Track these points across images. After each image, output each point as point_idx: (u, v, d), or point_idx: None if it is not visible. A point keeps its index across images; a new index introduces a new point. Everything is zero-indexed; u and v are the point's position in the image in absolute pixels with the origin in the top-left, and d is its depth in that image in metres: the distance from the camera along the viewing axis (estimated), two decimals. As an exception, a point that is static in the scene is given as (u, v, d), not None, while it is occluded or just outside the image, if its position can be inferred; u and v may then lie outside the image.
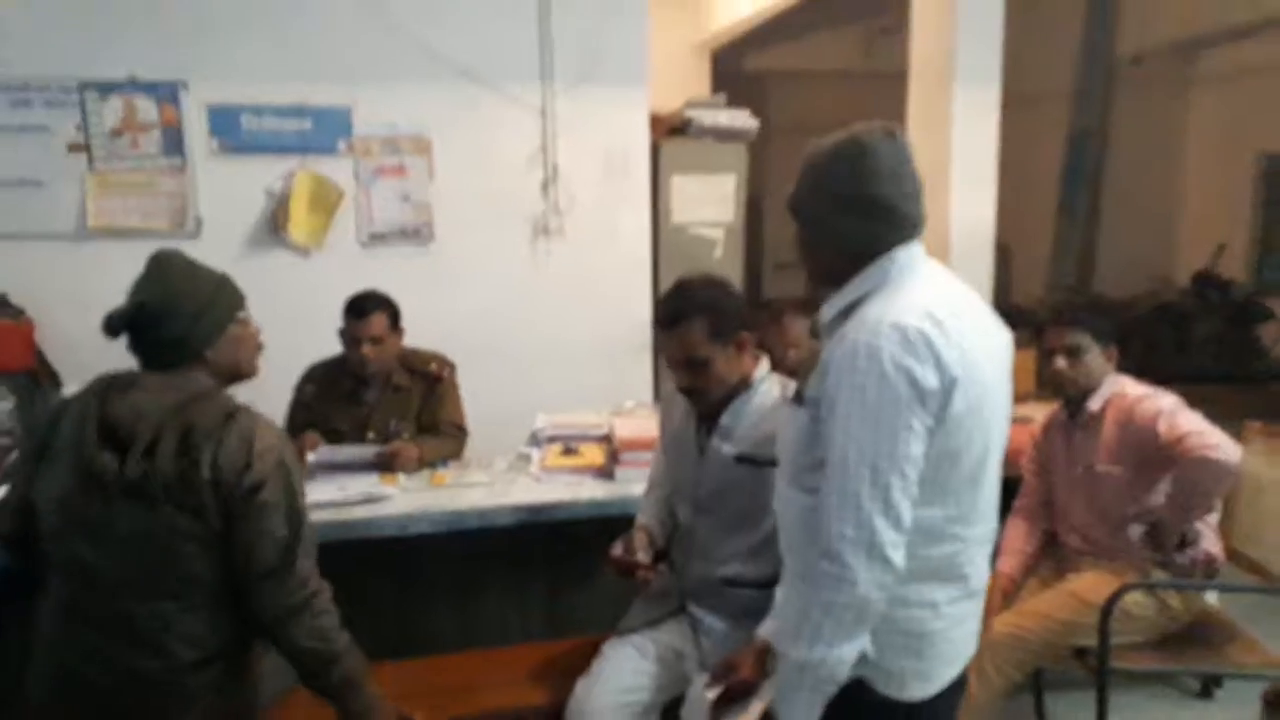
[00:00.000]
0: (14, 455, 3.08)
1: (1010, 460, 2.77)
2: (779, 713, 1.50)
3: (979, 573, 1.59)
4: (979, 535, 1.56)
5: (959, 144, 4.68)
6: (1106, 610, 2.31)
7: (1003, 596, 2.52)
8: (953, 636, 1.56)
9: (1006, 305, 6.50)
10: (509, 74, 4.08)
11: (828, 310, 1.56)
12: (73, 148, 3.72)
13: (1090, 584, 2.42)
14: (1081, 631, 2.37)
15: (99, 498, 1.72)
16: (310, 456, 2.70)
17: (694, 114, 4.47)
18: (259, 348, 1.99)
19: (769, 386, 2.10)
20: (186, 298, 1.80)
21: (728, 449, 2.06)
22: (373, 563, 2.48)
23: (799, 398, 1.57)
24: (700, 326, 1.98)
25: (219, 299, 1.86)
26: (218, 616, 1.79)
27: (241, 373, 1.93)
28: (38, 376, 3.66)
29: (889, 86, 5.42)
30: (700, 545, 2.12)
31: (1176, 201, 8.47)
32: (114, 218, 3.78)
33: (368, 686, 1.86)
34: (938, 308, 1.44)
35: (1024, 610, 2.46)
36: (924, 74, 4.90)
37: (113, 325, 1.81)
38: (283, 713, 2.05)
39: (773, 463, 1.98)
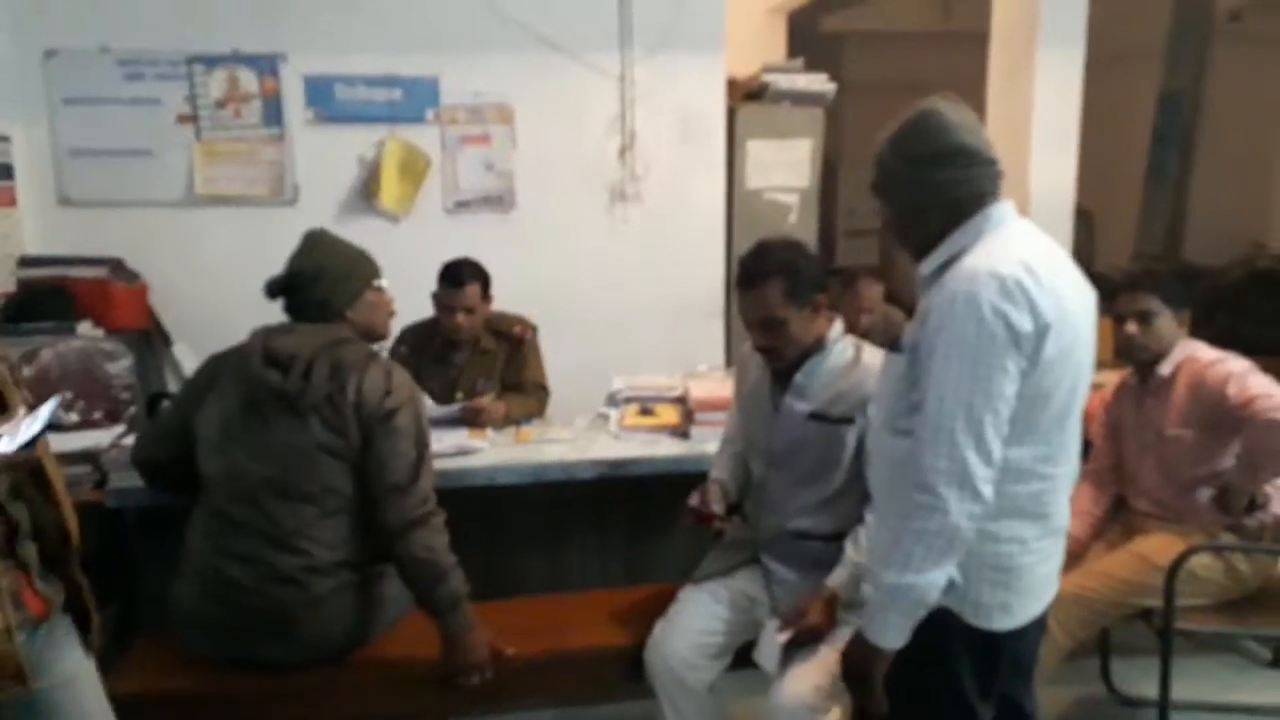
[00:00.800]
0: (133, 408, 3.34)
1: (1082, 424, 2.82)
2: (871, 633, 1.59)
3: (1062, 512, 1.69)
4: (1064, 475, 1.66)
5: (1040, 107, 4.62)
6: (1172, 571, 2.36)
7: (1071, 558, 2.55)
8: (1038, 572, 1.67)
9: (1088, 273, 6.36)
10: (589, 42, 4.17)
11: (927, 265, 1.66)
12: (181, 119, 3.95)
13: (1157, 545, 2.46)
14: (1147, 592, 2.42)
15: (258, 413, 2.09)
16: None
17: (771, 78, 4.50)
18: (391, 313, 2.34)
19: (843, 347, 2.19)
20: (331, 266, 2.19)
21: (801, 406, 2.16)
22: (464, 511, 2.62)
23: (895, 346, 1.68)
24: (777, 287, 2.07)
25: (357, 268, 2.25)
26: (349, 525, 2.10)
27: (375, 333, 2.29)
28: (150, 335, 3.93)
29: (968, 47, 5.35)
30: (772, 499, 2.22)
31: (1274, 164, 8.16)
32: (218, 185, 4.00)
33: (467, 608, 2.11)
34: (1032, 258, 1.55)
35: (1090, 570, 2.51)
36: (1006, 35, 4.84)
37: (272, 289, 2.19)
38: (392, 635, 2.26)
39: (845, 420, 2.10)
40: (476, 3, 4.03)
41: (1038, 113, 4.63)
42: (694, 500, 2.23)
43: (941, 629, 1.61)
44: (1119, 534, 2.64)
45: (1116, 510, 2.70)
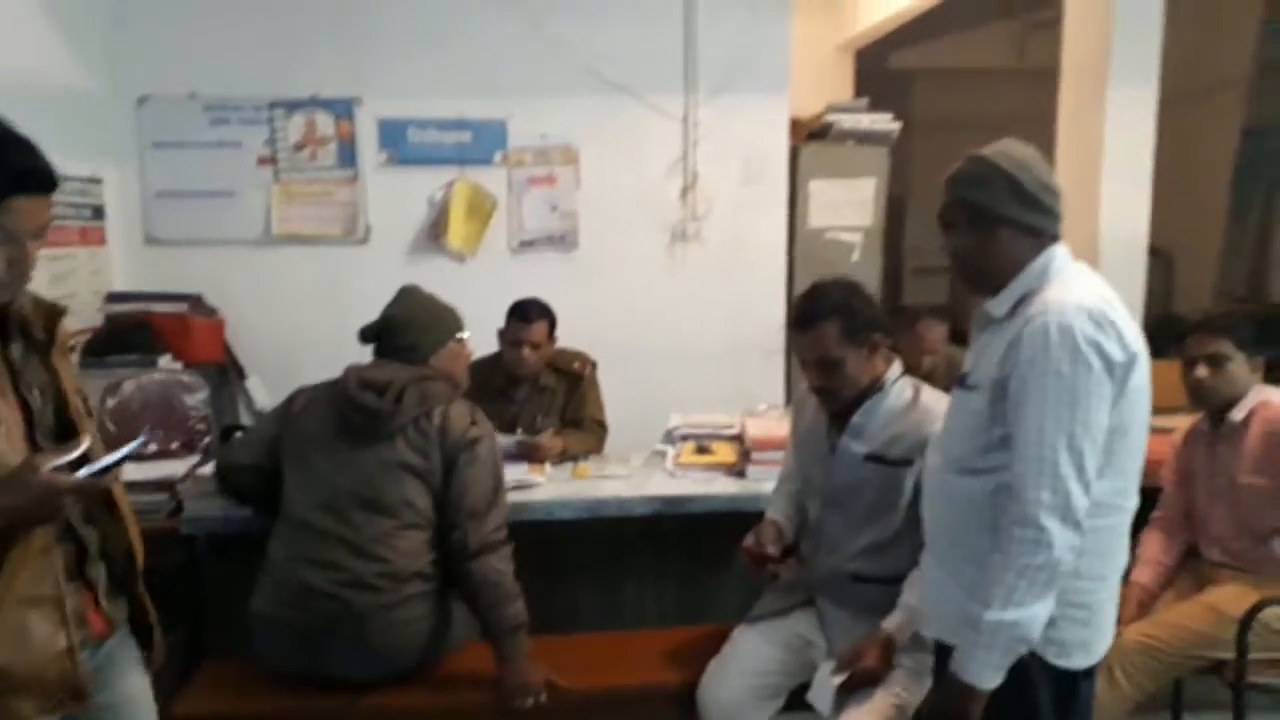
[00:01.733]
0: (209, 439, 3.46)
1: (1150, 471, 2.75)
2: (969, 673, 1.57)
3: (1126, 547, 1.70)
4: (1133, 508, 1.68)
5: (1112, 145, 4.55)
6: (1245, 622, 2.28)
7: (1138, 607, 2.50)
8: (1109, 609, 1.69)
9: (1165, 315, 6.19)
10: (654, 84, 4.24)
11: (1000, 304, 1.67)
12: (261, 161, 4.11)
13: (1229, 596, 2.38)
14: (1217, 644, 2.34)
15: (348, 430, 2.27)
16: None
17: (834, 118, 4.52)
18: (469, 366, 2.54)
19: (901, 388, 2.17)
20: (420, 316, 2.41)
21: (858, 447, 2.15)
22: (522, 544, 2.67)
23: (963, 383, 1.70)
24: (833, 328, 2.07)
25: (444, 320, 2.46)
26: (424, 540, 2.23)
27: (455, 380, 2.45)
28: (226, 369, 4.07)
29: (1042, 84, 5.29)
30: (829, 540, 2.21)
31: (1367, 202, 7.87)
32: (294, 225, 4.16)
33: (524, 637, 2.21)
34: (1105, 293, 1.61)
35: (1158, 620, 2.43)
36: (1076, 72, 4.79)
37: (366, 334, 2.42)
38: (456, 660, 2.34)
39: (903, 462, 2.09)
40: (544, 48, 4.14)
41: (1109, 151, 4.56)
42: (749, 541, 2.23)
43: (1024, 670, 1.61)
44: (1190, 584, 2.56)
45: (1188, 559, 2.62)
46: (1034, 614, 1.54)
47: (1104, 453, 1.55)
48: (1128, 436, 1.59)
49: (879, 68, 7.72)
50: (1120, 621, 2.40)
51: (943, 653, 1.74)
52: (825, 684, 2.05)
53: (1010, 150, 1.68)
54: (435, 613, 2.26)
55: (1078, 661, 1.65)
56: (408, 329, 2.38)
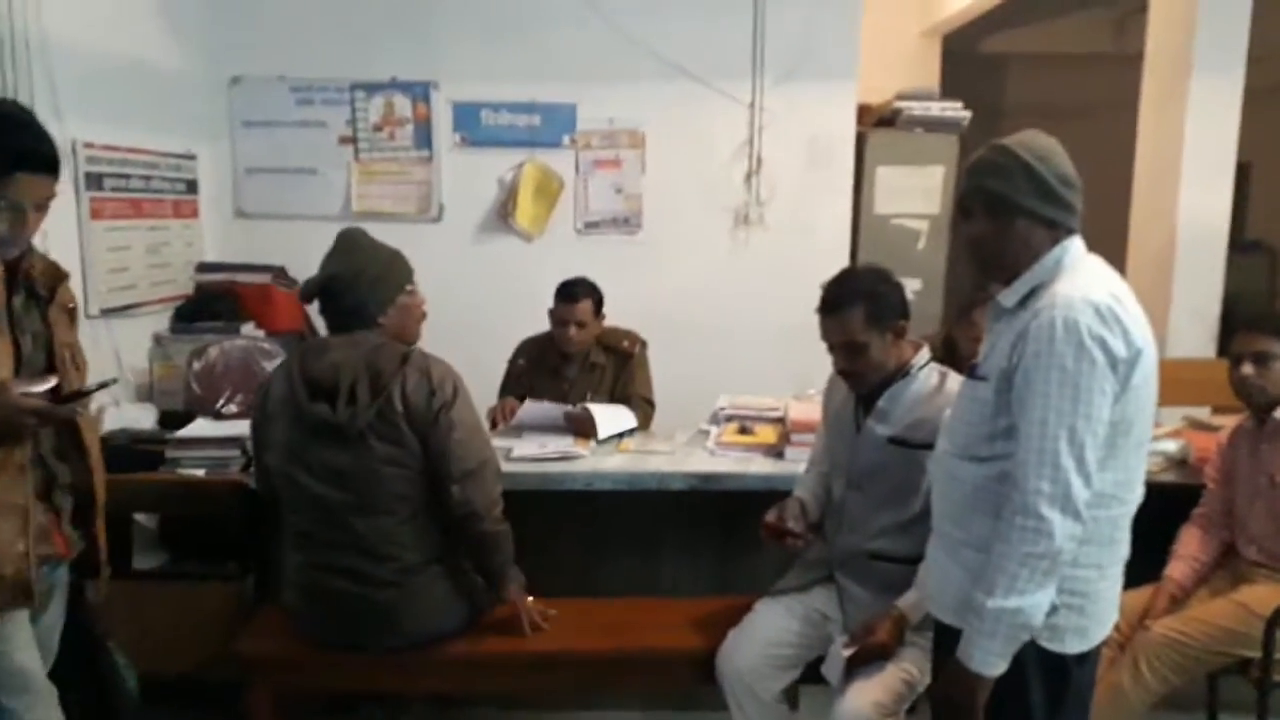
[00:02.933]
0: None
1: (1195, 468, 2.74)
2: (973, 661, 1.62)
3: (1128, 539, 1.73)
4: (1135, 501, 1.71)
5: (1193, 135, 4.45)
6: (1272, 621, 2.26)
7: (1169, 601, 2.49)
8: (1109, 597, 1.72)
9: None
10: (721, 70, 4.30)
11: (1011, 295, 1.70)
12: (342, 140, 4.33)
13: (1261, 595, 2.36)
14: (1245, 642, 2.33)
15: (316, 441, 2.18)
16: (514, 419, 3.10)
17: (903, 105, 4.52)
18: (423, 316, 2.38)
19: (927, 374, 2.22)
20: (367, 270, 2.21)
21: (882, 430, 2.21)
22: (565, 512, 2.83)
23: (974, 373, 1.74)
24: (859, 313, 2.13)
25: (392, 272, 2.26)
26: (426, 526, 2.24)
27: (406, 337, 2.30)
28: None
29: (1139, 71, 5.15)
30: (850, 519, 2.28)
31: None
32: (373, 202, 4.36)
33: (514, 570, 2.35)
34: (1116, 289, 1.63)
35: (1187, 616, 2.43)
36: (1160, 60, 4.68)
37: (307, 292, 2.28)
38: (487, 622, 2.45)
39: (925, 446, 2.13)
40: (614, 34, 4.24)
41: (1189, 142, 4.45)
42: (771, 516, 2.31)
43: (1022, 655, 1.64)
44: (1226, 582, 2.54)
45: (1226, 558, 2.59)
46: (1036, 602, 1.58)
47: (1106, 446, 1.58)
48: (1131, 431, 1.62)
49: (969, 53, 7.59)
50: (1150, 616, 2.43)
51: (942, 633, 1.80)
52: (837, 657, 2.13)
53: (1032, 141, 1.70)
54: (461, 585, 2.32)
55: (1071, 647, 1.68)
56: (353, 288, 2.19)
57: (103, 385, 1.90)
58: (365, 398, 2.13)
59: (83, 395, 1.83)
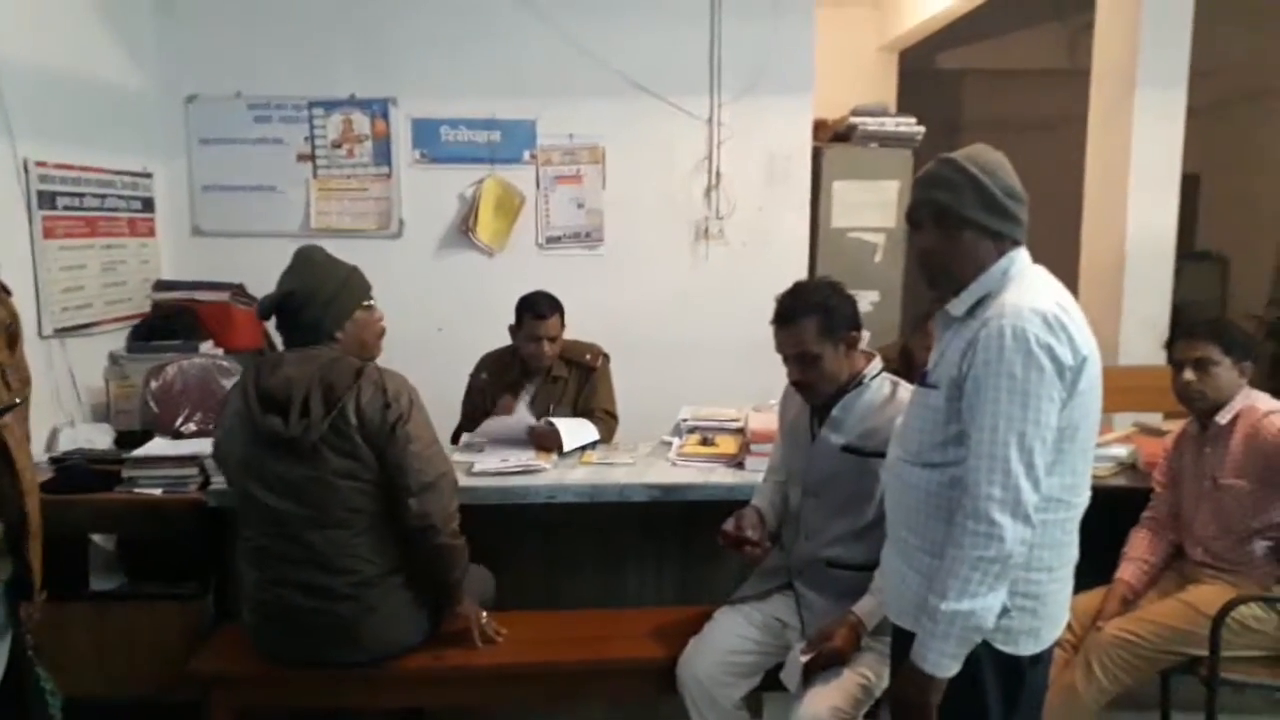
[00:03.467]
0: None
1: (1144, 472, 2.80)
2: (927, 663, 1.65)
3: (1076, 541, 1.77)
4: (1083, 504, 1.75)
5: (1139, 149, 4.56)
6: (1218, 619, 2.32)
7: (1120, 602, 2.55)
8: (1060, 599, 1.76)
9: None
10: (679, 86, 4.35)
11: (959, 305, 1.75)
12: (301, 157, 4.32)
13: (1207, 595, 2.43)
14: (1193, 641, 2.39)
15: (270, 455, 2.18)
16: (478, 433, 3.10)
17: (858, 120, 4.60)
18: (381, 332, 2.40)
19: (879, 384, 2.27)
20: (322, 288, 2.23)
21: (835, 439, 2.25)
22: (527, 526, 2.84)
23: (925, 381, 1.78)
24: (811, 324, 2.18)
25: (347, 288, 2.28)
26: (383, 538, 2.23)
27: (365, 353, 2.33)
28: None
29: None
30: (806, 527, 2.31)
31: None
32: (332, 219, 4.35)
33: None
34: (1061, 298, 1.68)
35: (1137, 616, 2.48)
36: (1106, 75, 4.80)
37: (264, 309, 2.28)
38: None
39: (878, 454, 2.17)
40: (573, 50, 4.28)
41: (1136, 154, 4.57)
42: (729, 525, 2.33)
43: (972, 655, 1.68)
44: (1174, 583, 2.60)
45: (1174, 559, 2.66)
46: (987, 604, 1.61)
47: (1054, 451, 1.63)
48: (1077, 436, 1.66)
49: (926, 68, 7.73)
50: (1102, 617, 2.49)
51: (899, 637, 1.83)
52: (795, 663, 2.16)
53: (979, 155, 1.75)
54: (420, 597, 2.32)
55: (1024, 648, 1.72)
56: (308, 305, 2.21)
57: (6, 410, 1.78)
58: (319, 411, 2.13)
59: None
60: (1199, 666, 2.43)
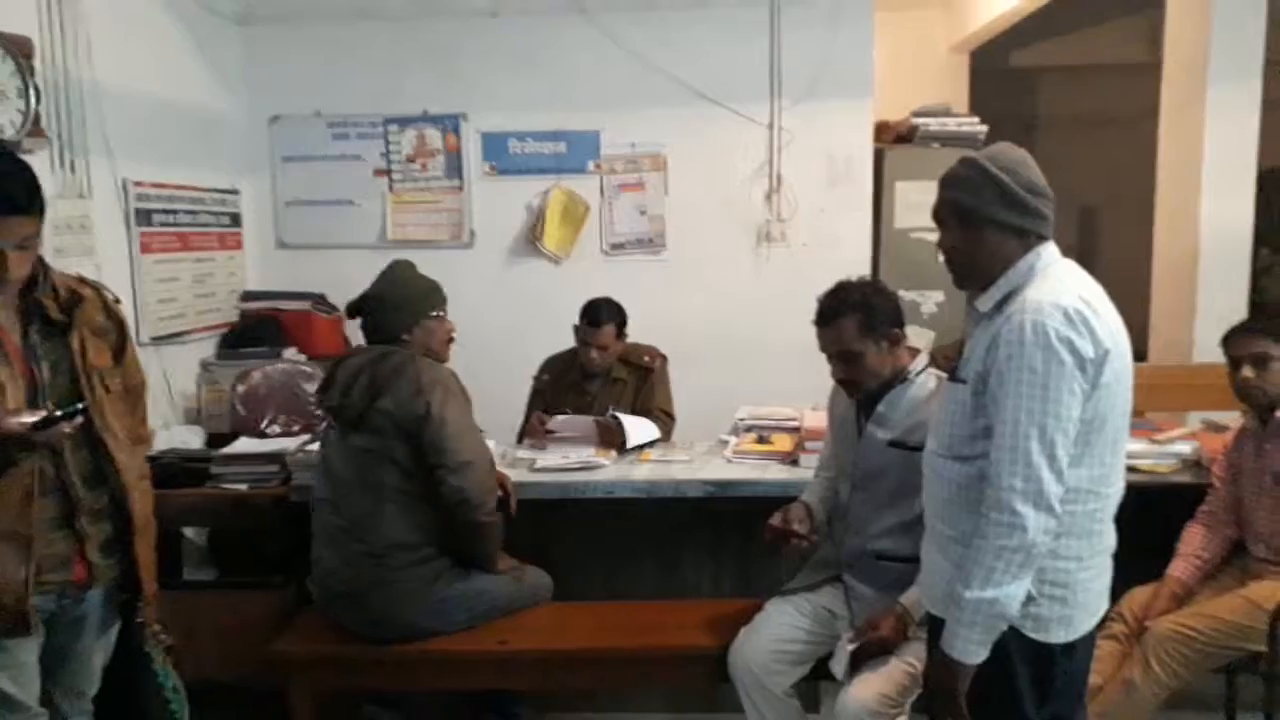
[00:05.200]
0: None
1: (1202, 467, 2.79)
2: (954, 650, 1.70)
3: (1112, 531, 1.80)
4: (1115, 495, 1.77)
5: (1212, 143, 4.47)
6: (1277, 614, 2.30)
7: (1170, 599, 2.54)
8: (1093, 588, 1.78)
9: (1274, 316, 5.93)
10: (739, 92, 4.43)
11: (985, 301, 1.79)
12: (377, 172, 4.53)
13: (1267, 590, 2.40)
14: (1252, 636, 2.37)
15: (333, 430, 2.52)
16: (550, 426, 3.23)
17: (920, 121, 4.60)
18: (449, 341, 2.64)
19: (924, 379, 2.31)
20: (390, 295, 2.53)
21: (882, 434, 2.30)
22: (590, 520, 2.95)
23: (954, 376, 1.83)
24: (852, 323, 2.24)
25: (418, 298, 2.55)
26: (413, 516, 2.43)
27: (433, 356, 2.55)
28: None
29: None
30: (855, 520, 2.37)
31: None
32: (407, 231, 4.55)
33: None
34: (1086, 292, 1.71)
35: (1195, 611, 2.47)
36: (1177, 68, 4.72)
37: (349, 309, 2.61)
38: (507, 625, 2.59)
39: (923, 448, 2.22)
40: (634, 62, 4.40)
41: (1209, 150, 4.48)
42: (775, 520, 2.40)
43: (1002, 642, 1.72)
44: (1234, 579, 2.58)
45: (1233, 555, 2.63)
46: (1011, 593, 1.65)
47: (1080, 443, 1.66)
48: (1104, 428, 1.68)
49: (999, 67, 7.64)
50: (1151, 613, 2.49)
51: (935, 624, 1.87)
52: (843, 652, 2.22)
53: (1000, 154, 1.77)
54: (439, 583, 2.47)
55: (1055, 636, 1.74)
56: (379, 309, 2.52)
57: (70, 414, 1.85)
58: (360, 391, 2.42)
59: (52, 423, 1.81)
60: (1259, 663, 2.40)
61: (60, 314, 1.94)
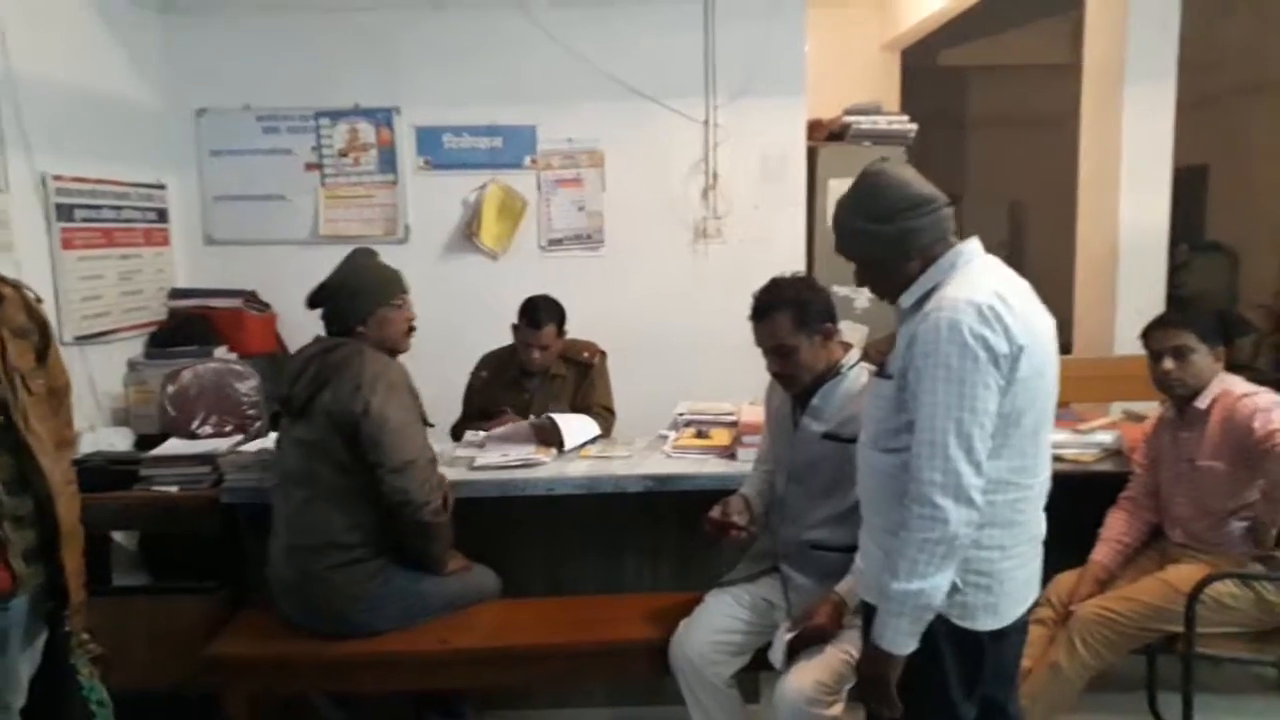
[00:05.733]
0: (259, 423, 3.77)
1: (1128, 457, 2.89)
2: (883, 641, 1.73)
3: (1038, 520, 1.85)
4: (1039, 485, 1.82)
5: (1130, 142, 4.62)
6: (1193, 596, 2.41)
7: (1094, 583, 2.63)
8: (1018, 576, 1.82)
9: (1230, 313, 6.16)
10: (675, 89, 4.47)
11: (907, 298, 1.83)
12: (309, 166, 4.46)
13: (1185, 573, 2.50)
14: (1171, 618, 2.47)
15: (284, 419, 2.52)
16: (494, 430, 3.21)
17: (851, 119, 4.69)
18: (408, 330, 2.57)
19: (857, 373, 2.36)
20: (348, 284, 2.49)
21: (816, 426, 2.34)
22: (529, 517, 2.95)
23: (881, 372, 1.87)
24: (786, 318, 2.28)
25: (374, 287, 2.50)
26: (349, 515, 2.41)
27: (389, 346, 2.52)
28: (277, 359, 4.40)
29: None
30: (791, 512, 2.41)
31: None
32: (340, 226, 4.48)
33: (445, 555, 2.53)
34: (1002, 288, 1.74)
35: (1116, 594, 2.57)
36: (1095, 69, 4.87)
37: (309, 300, 2.54)
38: (453, 623, 2.58)
39: (856, 440, 2.27)
40: (571, 57, 4.40)
41: (1127, 149, 4.63)
42: (714, 512, 2.44)
43: (931, 630, 1.76)
44: (1154, 562, 2.68)
45: (1152, 539, 2.74)
46: (936, 584, 1.69)
47: (999, 436, 1.70)
48: (1022, 421, 1.72)
49: (929, 66, 7.78)
50: (1076, 598, 2.58)
51: (871, 613, 1.91)
52: (781, 641, 2.26)
53: (884, 170, 1.83)
54: (374, 581, 2.44)
55: (983, 624, 1.78)
56: (335, 297, 2.49)
57: None
58: (304, 383, 2.41)
59: None
60: (1177, 643, 2.51)
61: None
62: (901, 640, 1.73)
